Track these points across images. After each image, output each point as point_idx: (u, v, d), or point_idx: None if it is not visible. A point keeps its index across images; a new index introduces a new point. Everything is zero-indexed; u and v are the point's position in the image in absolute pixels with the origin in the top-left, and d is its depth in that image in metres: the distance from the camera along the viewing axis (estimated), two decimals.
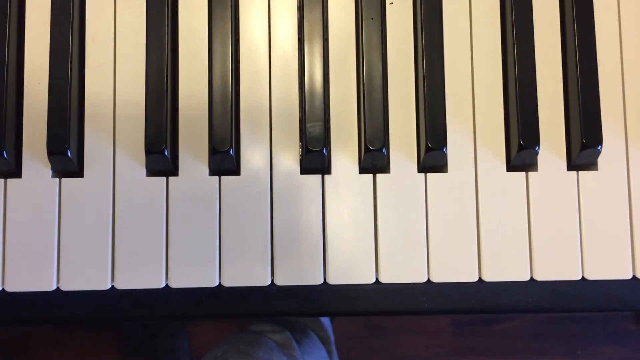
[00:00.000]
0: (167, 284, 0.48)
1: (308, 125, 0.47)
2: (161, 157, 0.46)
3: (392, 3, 0.50)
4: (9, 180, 0.48)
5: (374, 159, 0.48)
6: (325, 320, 1.15)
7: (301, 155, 0.49)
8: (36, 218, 0.47)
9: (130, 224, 0.48)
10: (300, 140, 0.49)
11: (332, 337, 1.13)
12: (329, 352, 1.07)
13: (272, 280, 0.48)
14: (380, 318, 1.38)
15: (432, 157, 0.48)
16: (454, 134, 0.49)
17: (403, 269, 0.48)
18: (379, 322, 1.38)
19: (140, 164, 0.48)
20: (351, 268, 0.48)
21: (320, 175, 0.49)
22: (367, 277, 0.49)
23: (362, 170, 0.49)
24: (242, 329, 1.04)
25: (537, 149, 0.47)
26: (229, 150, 0.46)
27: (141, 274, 0.48)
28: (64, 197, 0.48)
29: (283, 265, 0.48)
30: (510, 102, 0.49)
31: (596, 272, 0.49)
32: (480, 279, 0.49)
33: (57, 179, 0.48)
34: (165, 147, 0.46)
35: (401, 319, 1.38)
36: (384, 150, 0.47)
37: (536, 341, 1.38)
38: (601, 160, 0.49)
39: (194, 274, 0.48)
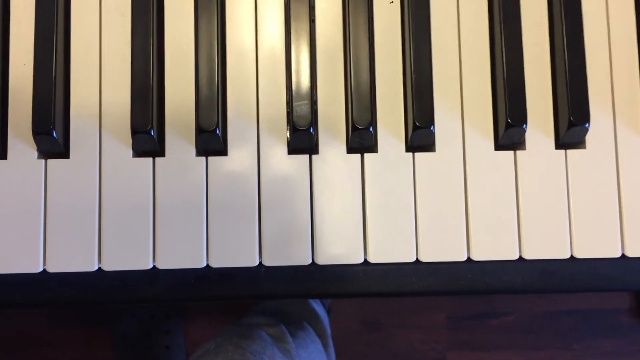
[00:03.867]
0: (154, 265, 0.48)
1: (295, 104, 0.47)
2: (147, 137, 0.46)
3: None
4: None
5: (361, 138, 0.48)
6: (322, 313, 1.15)
7: (288, 135, 0.48)
8: (22, 199, 0.47)
9: (117, 204, 0.47)
10: (288, 120, 0.49)
11: (328, 330, 1.12)
12: (325, 345, 1.06)
13: (261, 261, 0.48)
14: (377, 312, 1.37)
15: (420, 135, 0.47)
16: (442, 112, 0.49)
17: (391, 248, 0.48)
18: (375, 317, 1.37)
19: (126, 145, 0.48)
20: (339, 248, 0.48)
21: (308, 156, 0.49)
22: (355, 257, 0.48)
23: (350, 150, 0.49)
24: (236, 322, 1.04)
25: (524, 127, 0.47)
26: (215, 130, 0.46)
27: (128, 255, 0.47)
28: (49, 179, 0.47)
29: (271, 246, 0.48)
30: (498, 80, 0.49)
31: (585, 251, 0.48)
32: (469, 258, 0.49)
33: (43, 160, 0.48)
34: (152, 127, 0.46)
35: (397, 313, 1.38)
36: (371, 129, 0.47)
37: (532, 335, 1.38)
38: (589, 138, 0.49)
39: (182, 255, 0.48)
